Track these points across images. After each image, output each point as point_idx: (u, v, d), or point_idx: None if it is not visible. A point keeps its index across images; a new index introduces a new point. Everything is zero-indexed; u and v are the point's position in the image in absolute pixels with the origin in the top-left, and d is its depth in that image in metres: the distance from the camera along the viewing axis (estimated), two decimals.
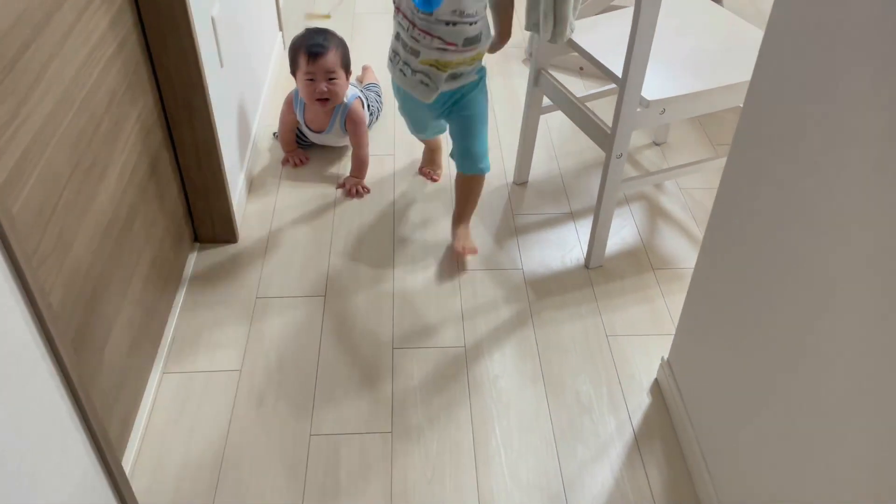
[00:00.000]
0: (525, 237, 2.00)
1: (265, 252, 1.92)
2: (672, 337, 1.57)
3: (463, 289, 1.84)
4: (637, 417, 1.55)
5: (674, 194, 2.15)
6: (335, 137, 2.19)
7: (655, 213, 2.09)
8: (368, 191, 2.12)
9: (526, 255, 1.94)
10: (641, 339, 1.72)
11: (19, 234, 0.86)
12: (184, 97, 1.66)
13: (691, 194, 2.14)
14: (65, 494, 0.98)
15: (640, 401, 1.58)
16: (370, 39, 2.81)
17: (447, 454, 1.47)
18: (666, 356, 1.59)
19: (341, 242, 1.96)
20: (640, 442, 1.50)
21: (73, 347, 1.10)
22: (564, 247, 1.98)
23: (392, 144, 2.31)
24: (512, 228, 2.03)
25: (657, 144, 2.33)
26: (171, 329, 1.70)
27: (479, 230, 2.01)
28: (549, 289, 1.85)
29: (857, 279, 0.91)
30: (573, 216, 2.07)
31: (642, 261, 1.93)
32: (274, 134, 2.31)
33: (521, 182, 2.18)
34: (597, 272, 1.89)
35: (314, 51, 2.01)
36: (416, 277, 1.87)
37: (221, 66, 1.83)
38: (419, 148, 2.32)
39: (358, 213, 2.06)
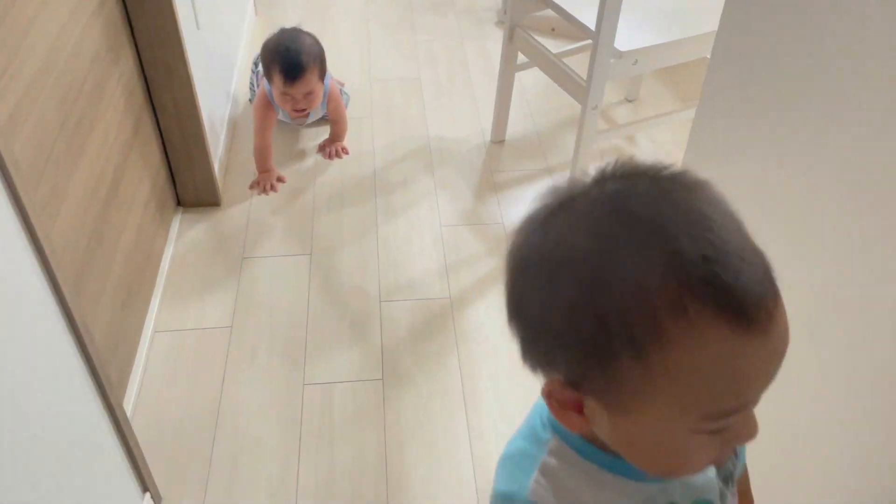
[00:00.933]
0: (504, 193, 2.05)
1: (249, 214, 1.95)
2: None
3: (446, 244, 1.88)
4: None
5: (647, 149, 2.21)
6: (314, 117, 2.19)
7: None
8: (348, 152, 2.15)
9: (506, 210, 1.99)
10: None
11: (23, 179, 0.88)
12: (163, 58, 1.67)
13: (664, 147, 2.20)
14: (70, 432, 1.01)
15: None
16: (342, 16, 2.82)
17: (437, 397, 1.53)
18: None
19: (324, 202, 1.99)
20: None
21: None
22: None
23: (369, 106, 2.33)
24: (492, 185, 2.07)
25: (629, 101, 2.39)
26: (161, 289, 1.72)
27: (459, 187, 2.05)
28: None
29: (828, 219, 0.97)
30: (550, 171, 2.12)
31: None
32: (250, 100, 2.31)
33: (498, 140, 2.22)
34: None
35: (292, 73, 1.90)
36: (399, 234, 1.91)
37: (198, 27, 1.84)
38: (396, 111, 2.35)
39: (339, 174, 2.09)
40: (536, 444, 0.57)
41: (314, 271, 1.80)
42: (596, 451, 0.55)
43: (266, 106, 2.00)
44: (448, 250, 1.87)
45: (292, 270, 1.80)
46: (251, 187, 2.00)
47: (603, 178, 0.49)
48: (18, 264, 0.88)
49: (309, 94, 1.98)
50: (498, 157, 2.17)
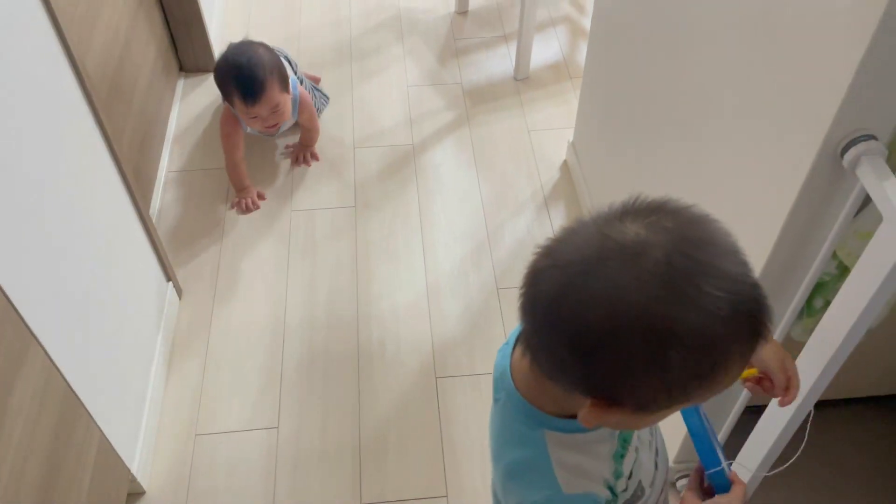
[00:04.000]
0: (465, 58, 2.33)
1: None
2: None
3: (412, 101, 2.19)
4: (548, 187, 1.96)
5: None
6: (285, 127, 2.03)
7: (577, 33, 2.42)
8: (318, 158, 2.01)
9: (465, 73, 2.28)
10: (556, 132, 2.10)
11: (65, 25, 1.19)
12: None
13: None
14: (111, 228, 1.37)
15: (552, 175, 1.98)
16: None
17: (399, 219, 1.89)
18: (571, 139, 1.97)
19: (306, 67, 2.28)
20: (549, 203, 1.92)
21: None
22: (497, 64, 2.32)
23: None
24: (453, 51, 2.35)
25: None
26: (170, 140, 2.06)
27: (423, 53, 2.33)
28: (482, 98, 2.21)
29: (729, 65, 1.12)
30: (506, 38, 2.39)
31: (562, 72, 2.28)
32: None
33: (462, 11, 2.48)
34: (523, 83, 2.25)
35: (251, 93, 1.75)
36: (372, 93, 2.21)
37: None
38: None
39: (319, 42, 2.37)
40: (534, 447, 0.60)
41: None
42: (567, 420, 0.60)
43: (232, 123, 1.86)
44: (413, 106, 2.18)
45: None
46: (232, 207, 1.90)
47: (623, 222, 0.50)
48: (62, 83, 1.21)
49: (275, 109, 1.82)
50: (461, 26, 2.44)
